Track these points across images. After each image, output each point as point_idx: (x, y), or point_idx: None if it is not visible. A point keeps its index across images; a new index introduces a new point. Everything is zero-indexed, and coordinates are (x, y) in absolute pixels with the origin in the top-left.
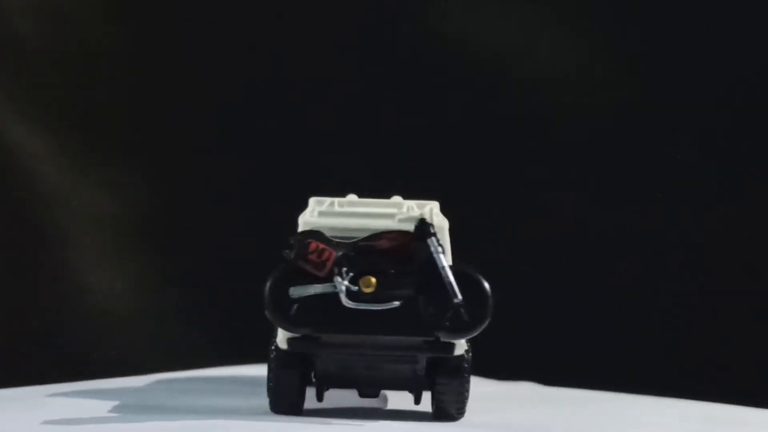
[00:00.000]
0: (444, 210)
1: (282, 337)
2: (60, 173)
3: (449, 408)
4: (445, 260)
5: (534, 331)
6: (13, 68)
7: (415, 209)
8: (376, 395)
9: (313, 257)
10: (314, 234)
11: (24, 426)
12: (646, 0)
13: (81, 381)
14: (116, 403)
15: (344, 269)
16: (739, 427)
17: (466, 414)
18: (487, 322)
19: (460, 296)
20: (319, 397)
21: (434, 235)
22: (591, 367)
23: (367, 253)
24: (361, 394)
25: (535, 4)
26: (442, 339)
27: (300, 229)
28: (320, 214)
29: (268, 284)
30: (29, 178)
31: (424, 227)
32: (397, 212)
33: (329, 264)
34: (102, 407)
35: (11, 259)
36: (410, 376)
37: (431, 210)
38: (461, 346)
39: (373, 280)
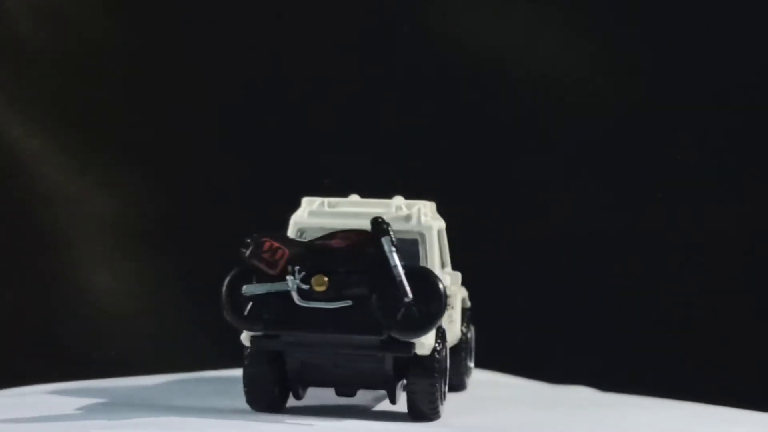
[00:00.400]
0: (444, 210)
1: (245, 335)
2: (60, 173)
3: (422, 407)
4: (398, 259)
5: (534, 331)
6: (13, 68)
7: (404, 209)
8: (352, 394)
9: (266, 256)
10: (273, 233)
11: (24, 426)
12: (647, 0)
13: (81, 381)
14: (116, 403)
15: (296, 268)
16: (740, 428)
17: (459, 416)
18: (439, 321)
19: (410, 295)
20: (296, 395)
21: (389, 234)
22: (591, 367)
23: (320, 252)
24: (338, 393)
25: (535, 4)
26: (395, 337)
27: (290, 228)
28: (310, 213)
29: (225, 283)
30: (29, 178)
31: (378, 226)
32: (385, 212)
33: (282, 263)
34: (102, 407)
35: (11, 259)
36: (379, 374)
37: (419, 210)
38: (425, 347)
39: (325, 278)
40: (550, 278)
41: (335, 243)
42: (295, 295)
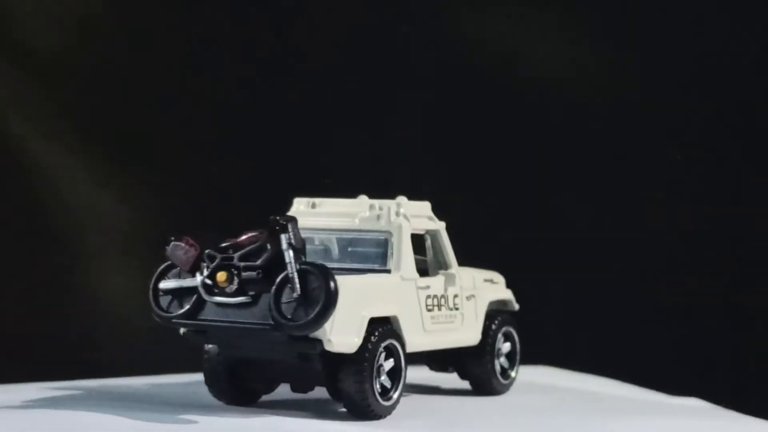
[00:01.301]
0: (444, 210)
1: (183, 330)
2: (60, 174)
3: (354, 405)
4: (293, 256)
5: (533, 331)
6: (16, 69)
7: (377, 208)
8: (304, 391)
9: (180, 253)
10: (202, 232)
11: (24, 426)
12: (646, 1)
13: (81, 381)
14: (116, 403)
15: (204, 265)
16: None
17: (406, 418)
18: (328, 318)
19: (299, 291)
20: (260, 390)
21: (287, 231)
22: (591, 367)
23: (227, 249)
24: (293, 389)
25: (536, 4)
26: (288, 332)
27: None
28: (296, 214)
29: (152, 278)
30: (30, 179)
31: (275, 224)
32: (359, 212)
33: (192, 259)
34: (102, 407)
35: (12, 260)
36: (313, 372)
37: (389, 209)
38: (333, 344)
39: (226, 274)
40: (550, 278)
41: (242, 241)
42: (201, 291)
